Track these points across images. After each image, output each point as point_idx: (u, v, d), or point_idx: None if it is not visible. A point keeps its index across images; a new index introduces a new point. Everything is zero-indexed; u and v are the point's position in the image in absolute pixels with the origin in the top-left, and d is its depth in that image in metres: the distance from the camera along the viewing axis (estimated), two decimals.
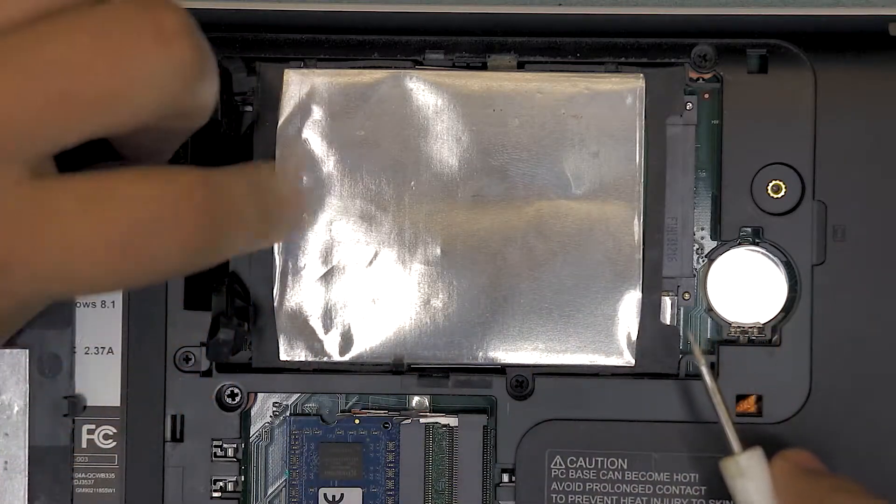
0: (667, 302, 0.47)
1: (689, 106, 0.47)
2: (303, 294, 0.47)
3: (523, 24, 0.47)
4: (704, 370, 0.45)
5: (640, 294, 0.47)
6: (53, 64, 0.34)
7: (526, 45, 0.47)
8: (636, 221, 0.47)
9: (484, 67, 0.47)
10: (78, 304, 0.47)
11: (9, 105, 0.33)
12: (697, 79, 0.48)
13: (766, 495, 0.43)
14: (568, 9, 0.48)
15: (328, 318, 0.47)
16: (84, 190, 0.35)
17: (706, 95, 0.48)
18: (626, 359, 0.47)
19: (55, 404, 0.46)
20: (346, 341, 0.47)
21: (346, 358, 0.47)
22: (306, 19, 0.47)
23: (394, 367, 0.47)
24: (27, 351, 0.46)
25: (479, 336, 0.47)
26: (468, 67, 0.47)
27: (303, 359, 0.47)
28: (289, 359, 0.47)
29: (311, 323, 0.47)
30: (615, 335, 0.47)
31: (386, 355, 0.47)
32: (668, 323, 0.47)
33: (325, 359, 0.47)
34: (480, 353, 0.47)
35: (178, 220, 0.35)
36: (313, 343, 0.47)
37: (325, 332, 0.47)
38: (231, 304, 0.47)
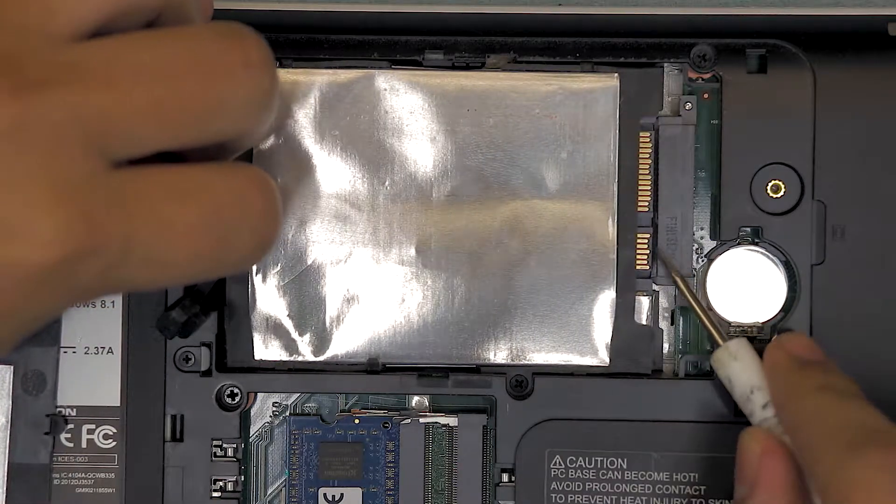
0: (642, 301, 0.47)
1: (688, 106, 0.47)
2: (277, 293, 0.47)
3: (523, 23, 0.47)
4: (677, 279, 0.46)
5: (615, 294, 0.47)
6: (156, 73, 0.35)
7: (525, 45, 0.47)
8: (610, 221, 0.47)
9: (483, 67, 0.47)
10: (78, 304, 0.47)
11: (114, 102, 0.34)
12: (697, 79, 0.48)
13: (757, 377, 0.44)
14: (567, 9, 0.48)
15: (302, 318, 0.47)
16: (171, 179, 0.36)
17: (706, 95, 0.48)
18: (601, 358, 0.47)
19: (37, 422, 0.46)
20: (321, 341, 0.47)
21: (321, 358, 0.47)
22: (305, 19, 0.47)
23: (368, 367, 0.47)
24: (12, 368, 0.46)
25: (453, 335, 0.47)
26: (467, 67, 0.47)
27: (277, 358, 0.47)
28: (263, 358, 0.47)
29: (284, 323, 0.47)
30: (590, 335, 0.47)
31: (361, 355, 0.47)
32: (643, 322, 0.47)
33: (300, 358, 0.47)
34: (455, 353, 0.47)
35: (254, 208, 0.38)
36: (288, 343, 0.47)
37: (300, 332, 0.47)
38: (193, 289, 0.46)
